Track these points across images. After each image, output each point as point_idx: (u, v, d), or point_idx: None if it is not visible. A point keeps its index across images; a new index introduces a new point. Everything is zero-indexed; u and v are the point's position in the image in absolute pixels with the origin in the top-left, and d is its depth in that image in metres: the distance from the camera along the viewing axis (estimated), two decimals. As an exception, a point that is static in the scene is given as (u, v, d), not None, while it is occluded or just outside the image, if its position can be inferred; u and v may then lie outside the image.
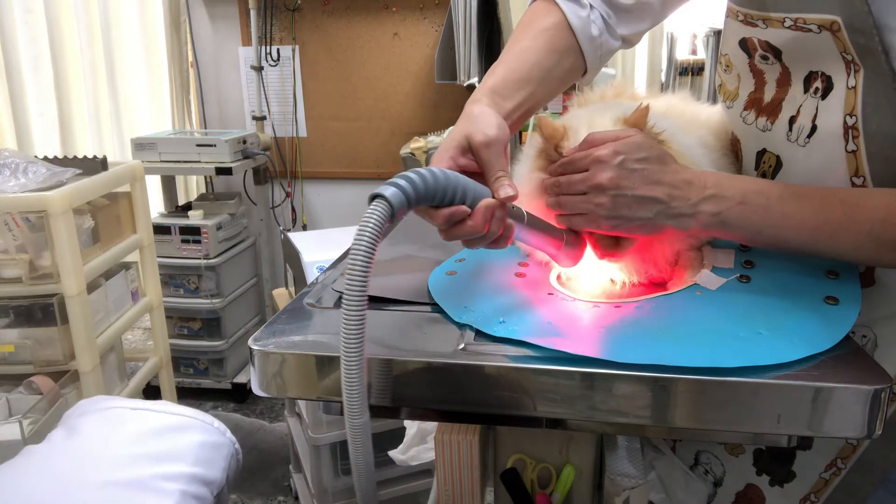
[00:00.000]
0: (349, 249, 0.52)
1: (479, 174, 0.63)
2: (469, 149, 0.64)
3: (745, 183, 0.64)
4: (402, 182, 0.54)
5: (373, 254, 0.51)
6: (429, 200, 0.56)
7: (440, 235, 0.60)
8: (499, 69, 0.73)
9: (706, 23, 2.13)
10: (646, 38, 1.80)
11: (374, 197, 0.53)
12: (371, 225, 0.51)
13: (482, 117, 0.65)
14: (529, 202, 0.72)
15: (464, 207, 0.58)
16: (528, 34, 0.75)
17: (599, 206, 0.62)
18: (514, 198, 0.59)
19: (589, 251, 0.69)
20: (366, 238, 0.51)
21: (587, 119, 0.70)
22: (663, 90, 2.24)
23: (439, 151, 0.65)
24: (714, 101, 0.86)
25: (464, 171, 0.63)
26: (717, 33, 2.10)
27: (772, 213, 0.61)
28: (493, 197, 0.60)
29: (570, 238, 0.68)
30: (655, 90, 2.24)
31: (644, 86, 2.31)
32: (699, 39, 2.21)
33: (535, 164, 0.72)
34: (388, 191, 0.53)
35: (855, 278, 0.64)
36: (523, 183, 0.74)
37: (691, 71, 2.22)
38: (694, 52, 2.25)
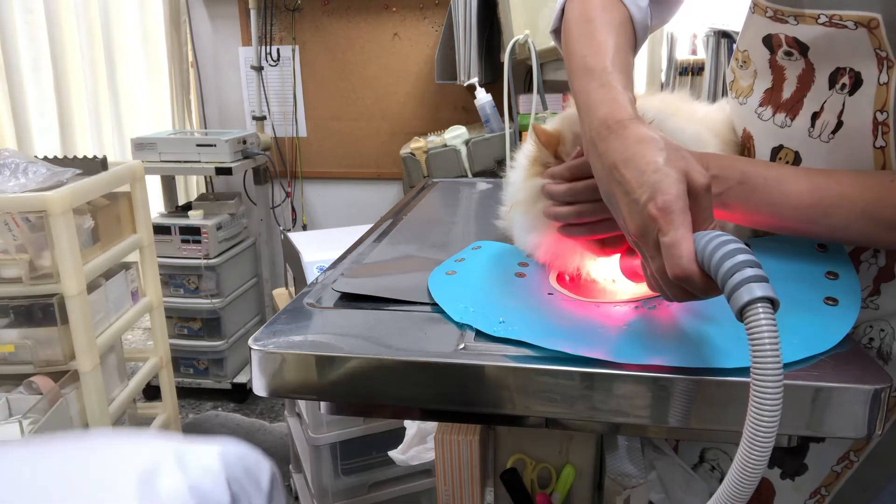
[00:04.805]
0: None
1: None
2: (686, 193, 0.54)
3: (743, 163, 0.64)
4: (759, 271, 0.46)
5: (781, 369, 0.44)
6: None
7: (672, 299, 0.53)
8: (613, 69, 0.63)
9: (706, 23, 2.13)
10: (646, 38, 1.79)
11: (749, 303, 0.44)
12: (769, 339, 0.44)
13: (683, 151, 0.55)
14: (528, 209, 0.72)
15: None
16: (610, 29, 0.67)
17: None
18: None
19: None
20: (769, 356, 0.44)
21: (578, 121, 0.69)
22: (663, 90, 2.24)
23: (669, 196, 0.50)
24: (713, 100, 0.86)
25: None
26: (717, 33, 2.10)
27: (770, 192, 0.62)
28: None
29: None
30: (655, 90, 2.24)
31: (644, 86, 2.31)
32: (699, 39, 2.20)
33: (530, 172, 0.72)
34: (764, 289, 0.45)
35: (854, 279, 0.64)
36: (520, 191, 0.74)
37: (691, 71, 2.21)
38: (694, 52, 2.25)
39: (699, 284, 0.49)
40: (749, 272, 0.45)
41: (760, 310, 0.44)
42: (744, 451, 0.44)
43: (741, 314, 0.45)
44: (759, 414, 0.44)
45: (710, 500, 0.46)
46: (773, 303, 0.45)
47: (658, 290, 0.54)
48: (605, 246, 0.66)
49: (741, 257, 0.46)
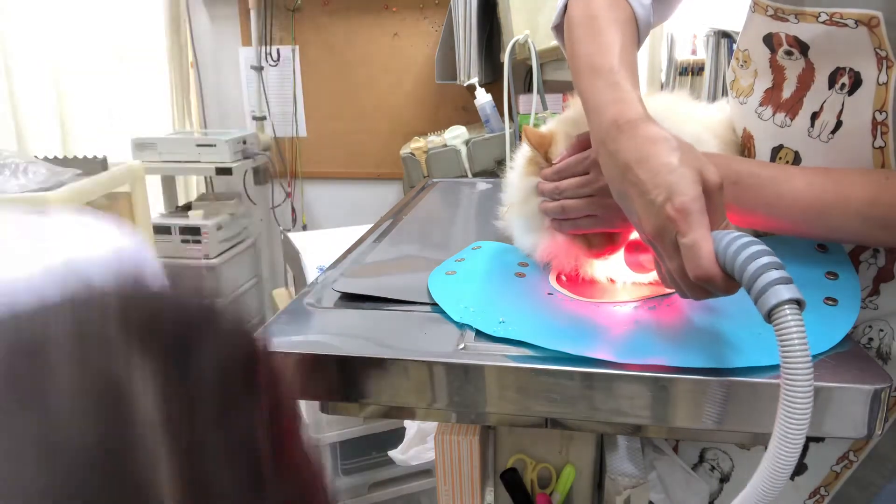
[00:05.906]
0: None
1: None
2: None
3: (738, 164, 0.64)
4: (784, 273, 0.46)
5: (811, 370, 0.44)
6: None
7: (690, 297, 0.53)
8: (621, 68, 0.62)
9: (706, 23, 2.13)
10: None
11: (777, 305, 0.45)
12: (798, 340, 0.44)
13: (696, 151, 0.54)
14: (521, 209, 0.73)
15: None
16: (615, 28, 0.66)
17: (608, 207, 0.62)
18: None
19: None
20: (799, 356, 0.44)
21: (574, 122, 0.70)
22: (663, 90, 2.24)
23: (686, 197, 0.50)
24: (713, 100, 0.86)
25: None
26: (717, 33, 2.10)
27: (765, 193, 0.62)
28: None
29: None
30: (655, 90, 2.24)
31: (644, 86, 2.31)
32: (699, 39, 2.20)
33: (526, 171, 0.72)
34: (791, 291, 0.45)
35: (854, 279, 0.64)
36: (516, 191, 0.74)
37: (691, 71, 2.21)
38: (694, 52, 2.24)
39: (721, 285, 0.50)
40: (775, 274, 0.46)
41: (788, 311, 0.45)
42: (774, 451, 0.44)
43: (769, 316, 0.46)
44: (790, 414, 0.44)
45: (735, 499, 0.46)
46: (799, 304, 0.45)
47: (675, 288, 0.55)
48: (593, 247, 0.68)
49: (765, 259, 0.47)
